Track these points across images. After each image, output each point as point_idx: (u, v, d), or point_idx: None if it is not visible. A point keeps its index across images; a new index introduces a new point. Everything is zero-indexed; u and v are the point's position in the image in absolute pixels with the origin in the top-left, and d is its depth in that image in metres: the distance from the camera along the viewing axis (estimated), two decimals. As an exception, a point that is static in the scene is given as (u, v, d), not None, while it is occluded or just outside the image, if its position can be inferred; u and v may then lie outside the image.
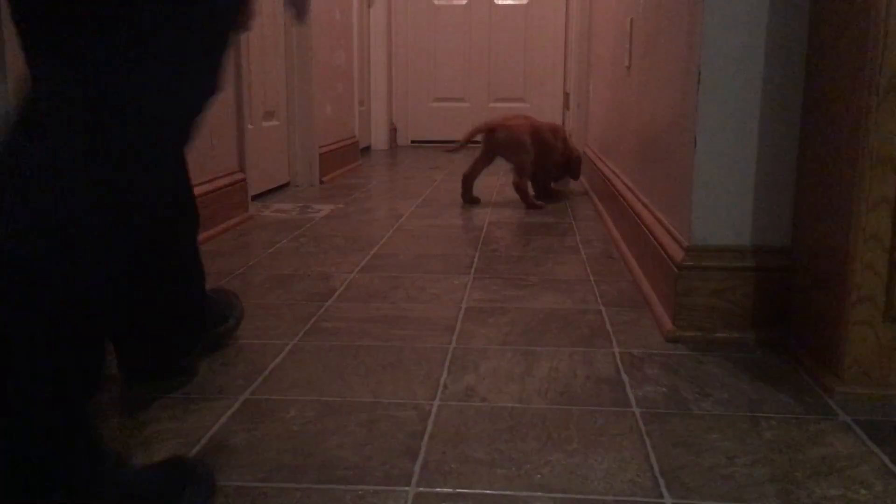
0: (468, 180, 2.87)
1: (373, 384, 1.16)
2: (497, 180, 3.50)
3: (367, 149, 4.93)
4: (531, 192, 2.84)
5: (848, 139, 1.11)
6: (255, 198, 2.83)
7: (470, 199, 2.87)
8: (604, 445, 0.97)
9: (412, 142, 5.40)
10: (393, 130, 5.27)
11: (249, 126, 2.66)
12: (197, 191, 2.12)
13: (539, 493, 0.86)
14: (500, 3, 5.21)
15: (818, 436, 1.00)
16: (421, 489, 0.87)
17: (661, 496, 0.86)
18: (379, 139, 5.05)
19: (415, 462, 0.93)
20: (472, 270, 1.84)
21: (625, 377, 1.19)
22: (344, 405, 1.08)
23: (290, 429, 1.01)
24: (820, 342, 1.19)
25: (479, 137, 2.86)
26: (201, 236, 2.13)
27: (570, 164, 3.04)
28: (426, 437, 0.99)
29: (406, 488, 0.87)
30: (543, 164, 2.89)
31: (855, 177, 1.08)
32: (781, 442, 0.98)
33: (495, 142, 2.80)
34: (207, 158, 2.23)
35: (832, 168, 1.17)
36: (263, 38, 2.89)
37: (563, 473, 0.90)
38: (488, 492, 0.87)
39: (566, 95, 5.02)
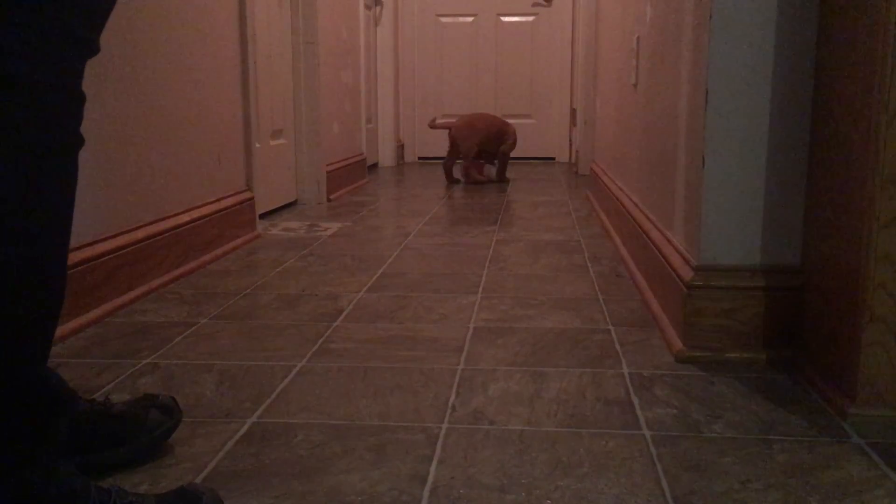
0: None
1: (381, 407, 1.15)
2: (503, 198, 3.50)
3: (375, 166, 4.94)
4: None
5: (858, 158, 1.11)
6: (262, 216, 2.84)
7: (452, 181, 4.07)
8: (614, 469, 0.96)
9: (419, 158, 5.41)
10: (400, 147, 5.29)
11: (257, 145, 2.66)
12: (204, 210, 2.13)
13: (549, 519, 0.85)
14: (506, 19, 5.23)
15: (831, 459, 0.99)
16: (430, 515, 0.86)
17: (673, 522, 0.85)
18: (386, 156, 5.06)
19: (423, 487, 0.92)
20: (480, 289, 1.83)
21: (635, 399, 1.18)
22: (352, 428, 1.08)
23: (298, 453, 1.01)
24: (832, 363, 1.18)
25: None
26: (209, 256, 2.13)
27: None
28: (435, 462, 0.98)
29: (415, 514, 0.86)
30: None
31: (865, 196, 1.08)
32: (794, 465, 0.97)
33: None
34: (215, 177, 2.24)
35: (842, 187, 1.16)
36: (271, 57, 2.91)
37: (573, 499, 0.89)
38: (498, 518, 0.86)
39: (573, 112, 5.02)
